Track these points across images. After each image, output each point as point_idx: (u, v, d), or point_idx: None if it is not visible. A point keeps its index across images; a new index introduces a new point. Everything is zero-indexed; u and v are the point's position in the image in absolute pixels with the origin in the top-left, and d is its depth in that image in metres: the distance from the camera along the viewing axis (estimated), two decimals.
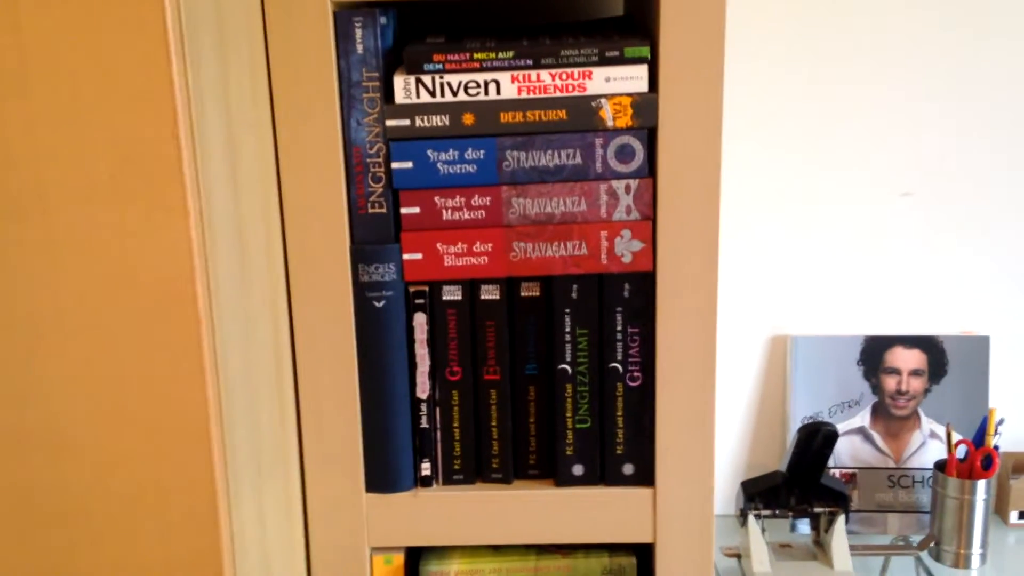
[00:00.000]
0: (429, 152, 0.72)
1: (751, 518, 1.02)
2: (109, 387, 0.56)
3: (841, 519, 1.01)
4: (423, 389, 0.78)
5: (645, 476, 0.79)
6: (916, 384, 1.11)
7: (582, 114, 0.71)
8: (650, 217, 0.73)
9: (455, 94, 0.71)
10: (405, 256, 0.74)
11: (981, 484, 1.03)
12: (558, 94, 0.71)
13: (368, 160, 0.72)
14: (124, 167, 0.52)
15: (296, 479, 0.78)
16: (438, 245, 0.74)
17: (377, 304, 0.75)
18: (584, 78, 0.71)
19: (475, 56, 0.70)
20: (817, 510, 1.02)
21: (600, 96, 0.71)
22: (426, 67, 0.70)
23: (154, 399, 0.57)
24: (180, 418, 0.57)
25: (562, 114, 0.71)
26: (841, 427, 1.11)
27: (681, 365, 0.75)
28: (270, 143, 0.71)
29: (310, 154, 0.71)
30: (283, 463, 0.74)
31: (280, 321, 0.73)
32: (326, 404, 0.77)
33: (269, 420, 0.70)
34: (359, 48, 0.70)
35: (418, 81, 0.71)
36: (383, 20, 0.71)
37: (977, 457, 1.03)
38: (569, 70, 0.70)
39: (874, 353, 1.11)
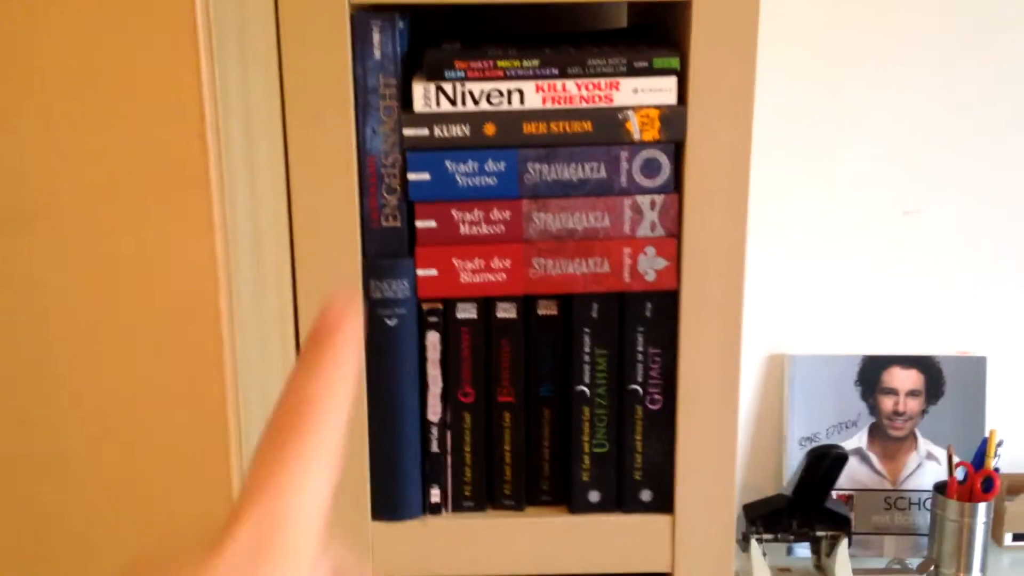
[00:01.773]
0: (447, 163, 0.69)
1: (753, 543, 1.00)
2: (123, 405, 0.52)
3: (844, 543, 1.00)
4: (434, 412, 0.74)
5: (664, 503, 0.76)
6: (913, 405, 1.10)
7: (608, 126, 0.68)
8: (675, 234, 0.71)
9: (477, 103, 0.68)
10: (419, 272, 0.71)
11: (981, 507, 1.02)
12: (584, 105, 0.68)
13: (383, 170, 0.69)
14: (147, 172, 0.48)
15: None
16: (454, 261, 0.70)
17: (389, 322, 0.71)
18: (611, 89, 0.68)
19: (499, 64, 0.67)
20: (820, 534, 1.00)
21: (627, 108, 0.68)
22: (447, 74, 0.67)
23: (171, 422, 0.53)
24: (198, 444, 0.53)
25: (587, 126, 0.68)
26: None
27: (703, 388, 0.73)
28: (281, 150, 0.67)
29: (322, 163, 0.67)
30: None
31: (288, 339, 0.69)
32: None
33: None
34: (376, 52, 0.67)
35: (438, 89, 0.67)
36: (401, 25, 0.67)
37: (977, 479, 1.02)
38: (596, 80, 0.68)
39: (871, 373, 1.10)
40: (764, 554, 1.00)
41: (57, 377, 0.51)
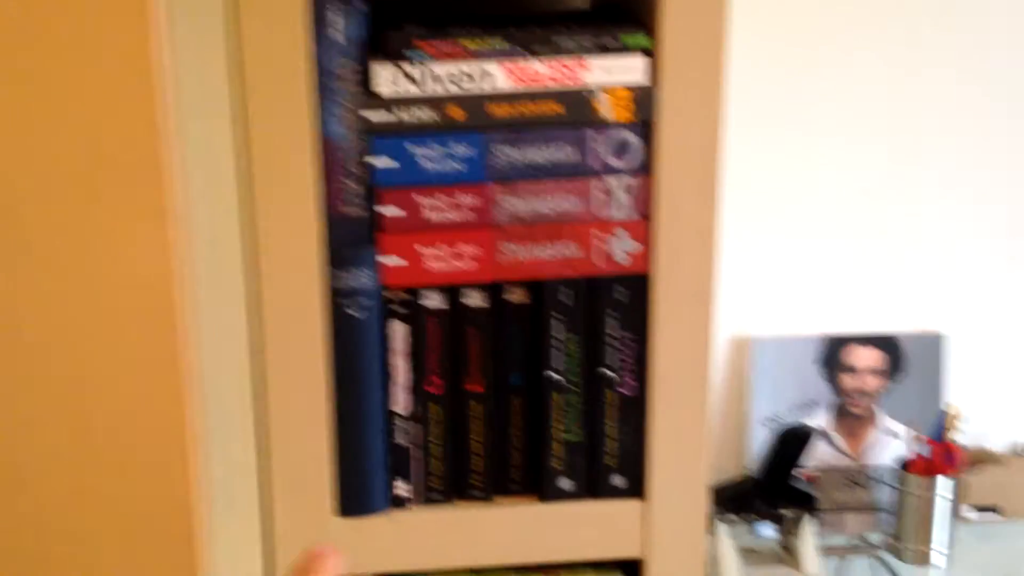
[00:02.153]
0: (412, 148, 0.66)
1: (719, 524, 1.00)
2: (76, 406, 0.49)
3: (809, 523, 1.00)
4: (401, 404, 0.72)
5: (636, 489, 0.75)
6: (874, 383, 1.11)
7: (578, 107, 0.66)
8: (647, 216, 0.69)
9: (442, 85, 0.65)
10: (384, 260, 0.68)
11: (943, 481, 1.03)
12: (552, 85, 0.66)
13: (344, 156, 0.66)
14: (99, 162, 0.45)
15: (263, 505, 0.71)
16: (420, 248, 0.68)
17: (352, 312, 0.69)
18: (580, 68, 0.66)
19: (463, 43, 0.65)
20: (785, 513, 1.01)
21: (597, 88, 0.66)
22: (410, 55, 0.65)
23: (126, 425, 0.50)
24: (156, 449, 0.50)
25: (557, 107, 0.66)
26: None
27: (676, 372, 0.72)
28: (241, 137, 0.64)
29: (283, 149, 0.65)
30: (251, 490, 0.68)
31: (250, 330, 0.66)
32: (294, 420, 0.70)
33: (243, 441, 0.63)
34: (337, 35, 0.64)
35: (402, 71, 0.65)
36: (362, 6, 0.65)
37: (939, 454, 1.03)
38: (565, 60, 0.66)
39: (832, 353, 1.10)
40: (731, 535, 1.00)
41: (4, 374, 0.48)
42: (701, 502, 0.75)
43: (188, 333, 0.50)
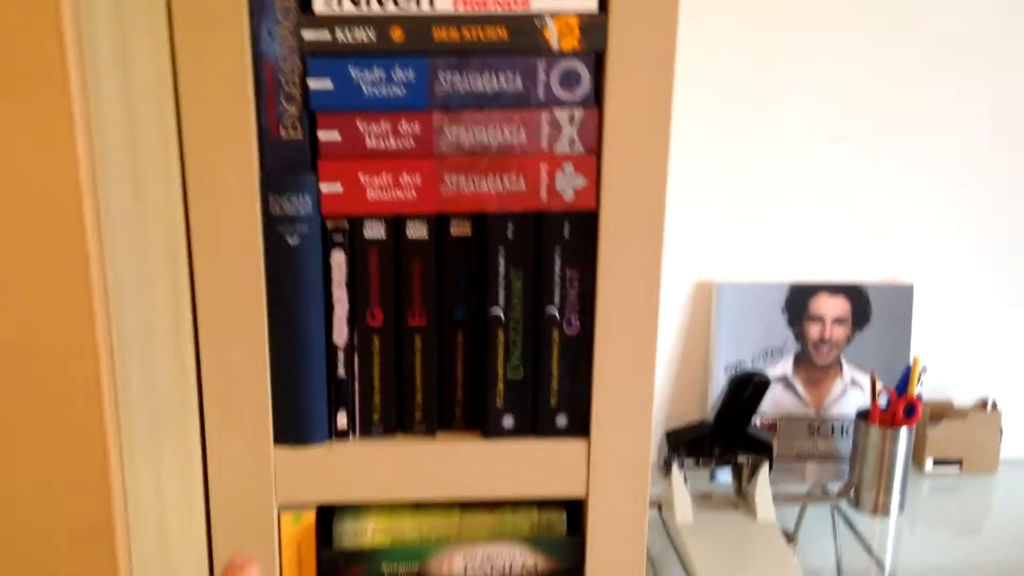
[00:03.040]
0: (352, 70, 0.64)
1: (674, 468, 0.99)
2: None
3: (765, 468, 0.99)
4: (340, 335, 0.70)
5: (580, 428, 0.74)
6: (839, 332, 1.10)
7: (525, 34, 0.64)
8: (595, 151, 0.67)
9: (382, 5, 0.63)
10: (323, 187, 0.66)
11: (903, 432, 1.02)
12: (499, 10, 0.64)
13: (281, 77, 0.64)
14: None
15: (195, 433, 0.70)
16: (360, 176, 0.66)
17: (290, 240, 0.67)
18: None
19: None
20: (741, 459, 1.00)
21: (545, 14, 0.64)
22: None
23: (32, 342, 0.48)
24: (64, 365, 0.49)
25: (503, 32, 0.64)
26: None
27: (623, 311, 0.70)
28: (167, 53, 0.62)
29: (214, 68, 0.62)
30: (182, 416, 0.66)
31: (178, 255, 0.65)
32: (230, 349, 0.69)
33: (166, 366, 0.62)
34: None
35: None
36: None
37: (900, 405, 1.02)
38: None
39: (798, 301, 1.09)
40: (686, 480, 0.99)
41: None
42: (646, 444, 0.74)
43: (97, 253, 0.48)
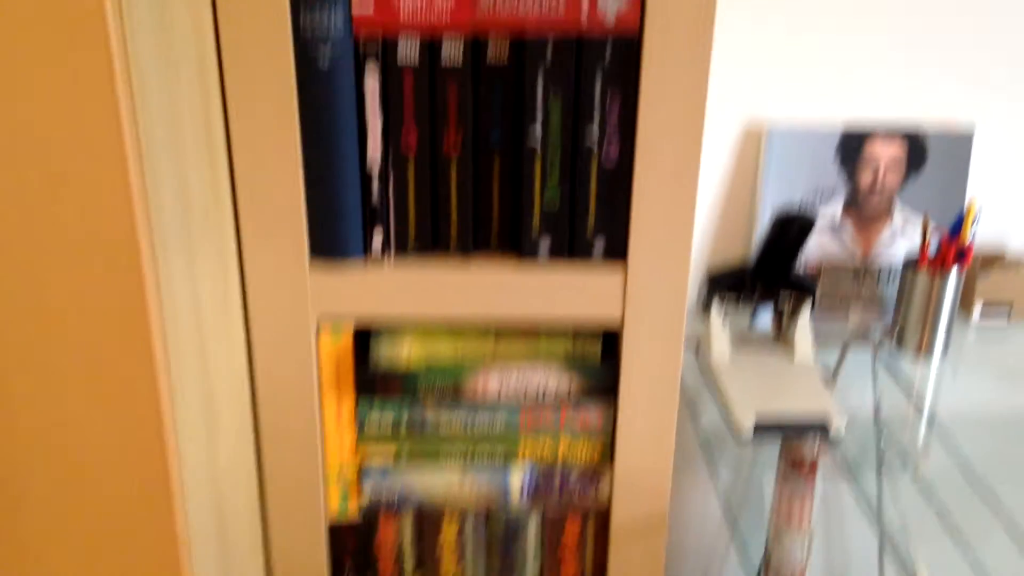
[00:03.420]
0: None
1: (714, 307, 0.99)
2: (11, 131, 0.48)
3: (806, 309, 0.99)
4: (374, 160, 0.70)
5: (617, 253, 0.73)
6: (892, 179, 1.07)
7: None
8: None
9: None
10: (354, 7, 0.65)
11: (952, 275, 1.00)
12: None
13: None
14: None
15: (232, 249, 0.71)
16: None
17: (321, 61, 0.66)
18: None
19: None
20: (782, 298, 0.99)
21: None
22: None
23: (61, 146, 0.49)
24: (95, 169, 0.50)
25: None
26: None
27: (664, 140, 0.69)
28: None
29: None
30: (218, 229, 0.67)
31: (209, 70, 0.64)
32: (263, 166, 0.69)
33: (199, 181, 0.62)
34: None
35: None
36: None
37: (951, 250, 1.00)
38: None
39: (852, 143, 1.05)
40: (725, 321, 0.99)
41: None
42: (684, 273, 0.74)
43: (123, 61, 0.48)
